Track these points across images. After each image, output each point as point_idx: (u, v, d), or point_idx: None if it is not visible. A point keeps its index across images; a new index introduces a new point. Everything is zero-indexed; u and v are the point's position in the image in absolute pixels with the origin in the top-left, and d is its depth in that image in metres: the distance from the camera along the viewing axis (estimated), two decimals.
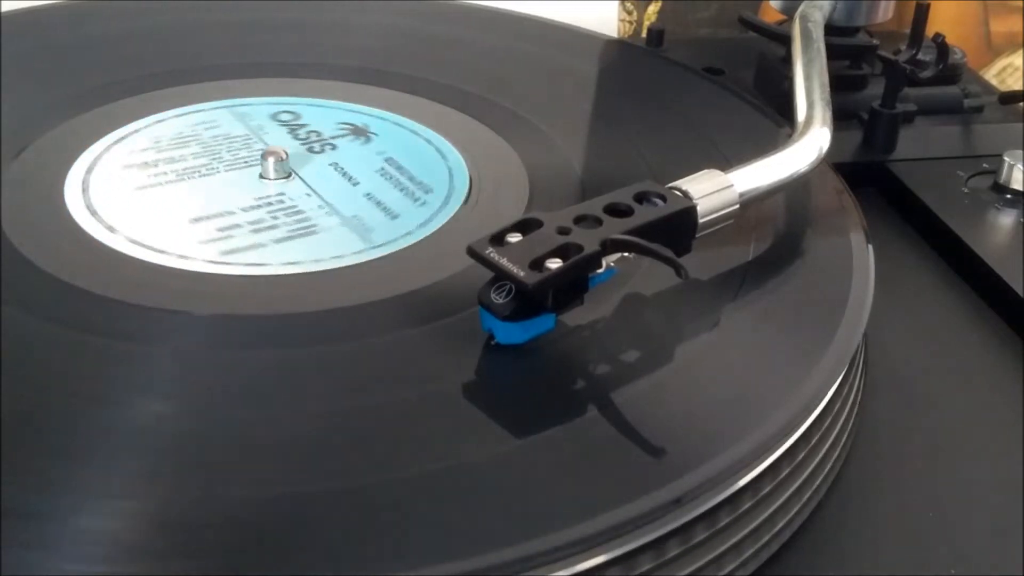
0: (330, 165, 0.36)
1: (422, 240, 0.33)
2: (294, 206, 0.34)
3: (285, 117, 0.38)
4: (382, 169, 0.35)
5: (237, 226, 0.33)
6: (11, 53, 0.41)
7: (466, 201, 0.35)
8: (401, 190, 0.34)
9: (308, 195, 0.34)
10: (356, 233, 0.32)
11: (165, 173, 0.35)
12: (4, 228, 0.32)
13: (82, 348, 0.28)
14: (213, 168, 0.36)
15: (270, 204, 0.34)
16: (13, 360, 0.27)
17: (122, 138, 0.37)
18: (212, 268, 0.31)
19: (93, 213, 0.33)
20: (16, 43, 0.42)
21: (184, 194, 0.35)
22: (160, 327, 0.29)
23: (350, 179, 0.35)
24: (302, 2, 0.47)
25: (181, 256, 0.31)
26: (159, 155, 0.36)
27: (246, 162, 0.36)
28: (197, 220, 0.33)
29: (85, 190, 0.34)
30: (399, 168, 0.35)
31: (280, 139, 0.37)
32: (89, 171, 0.35)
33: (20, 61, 0.41)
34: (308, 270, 0.31)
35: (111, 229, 0.32)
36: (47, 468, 0.24)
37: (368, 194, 0.34)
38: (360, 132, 0.37)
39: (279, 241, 0.32)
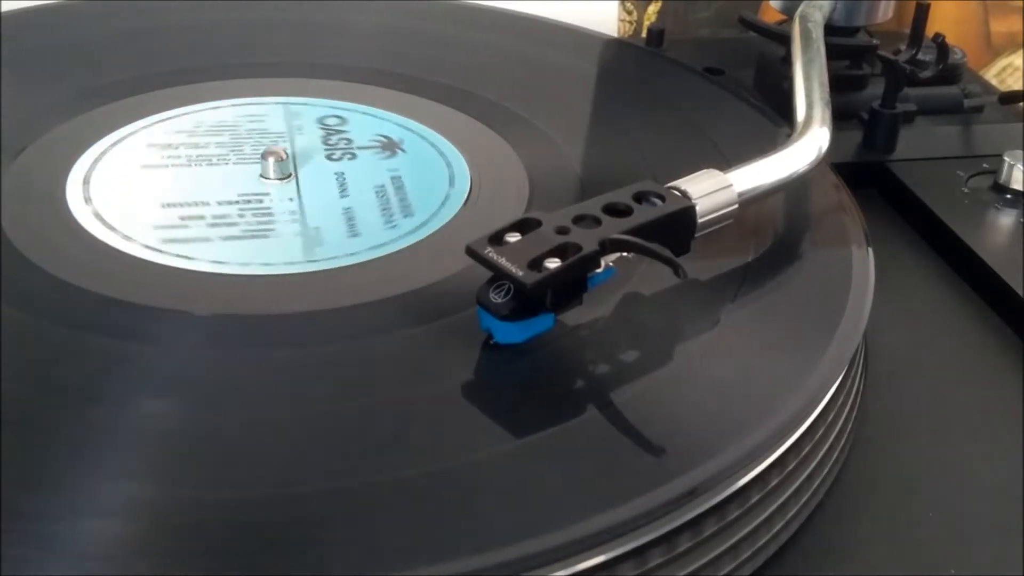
0: (335, 174, 0.36)
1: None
2: (268, 208, 0.34)
3: (331, 121, 0.38)
4: (382, 187, 0.35)
5: (200, 218, 0.33)
6: (11, 53, 0.41)
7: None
8: (383, 210, 0.33)
9: (290, 199, 0.34)
10: (304, 245, 0.32)
11: (179, 156, 0.36)
12: (4, 228, 0.32)
13: (82, 348, 0.28)
14: (225, 159, 0.36)
15: (248, 202, 0.34)
16: (13, 360, 0.27)
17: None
18: (145, 254, 0.31)
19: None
20: (16, 43, 0.42)
21: (179, 179, 0.35)
22: (160, 327, 0.29)
23: (343, 191, 0.35)
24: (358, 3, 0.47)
25: (125, 237, 0.31)
26: (188, 139, 0.37)
27: (260, 158, 0.36)
28: (169, 205, 0.33)
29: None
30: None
31: (309, 141, 0.37)
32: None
33: (20, 61, 0.41)
34: (230, 271, 0.31)
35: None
36: (47, 468, 0.24)
37: (348, 208, 0.34)
38: (391, 147, 0.36)
39: (227, 239, 0.32)
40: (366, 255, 0.32)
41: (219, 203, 0.34)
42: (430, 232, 0.33)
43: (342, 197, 0.34)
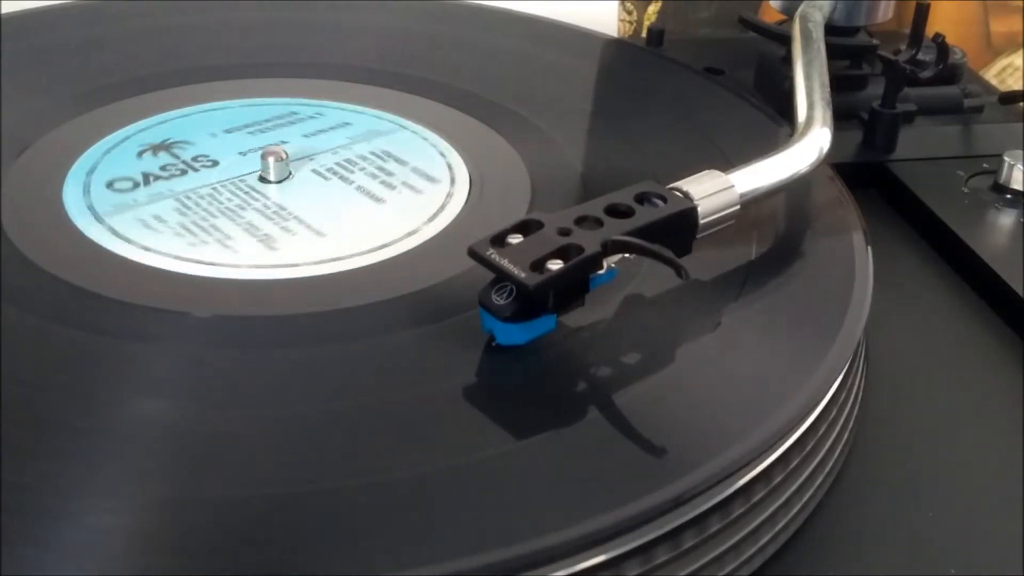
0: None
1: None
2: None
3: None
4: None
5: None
6: (11, 53, 0.41)
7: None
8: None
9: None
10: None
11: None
12: (4, 228, 0.32)
13: (82, 348, 0.28)
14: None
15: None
16: (13, 360, 0.27)
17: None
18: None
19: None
20: (16, 43, 0.42)
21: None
22: (161, 327, 0.29)
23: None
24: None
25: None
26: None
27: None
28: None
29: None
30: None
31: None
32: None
33: (20, 62, 0.41)
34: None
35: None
36: (47, 468, 0.24)
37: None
38: (387, 172, 0.36)
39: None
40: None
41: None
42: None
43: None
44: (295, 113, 0.40)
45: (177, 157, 0.36)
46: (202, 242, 0.32)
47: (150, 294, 0.30)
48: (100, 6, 0.46)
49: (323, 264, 0.31)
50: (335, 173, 0.36)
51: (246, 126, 0.39)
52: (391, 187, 0.35)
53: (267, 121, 0.39)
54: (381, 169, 0.36)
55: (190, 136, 0.38)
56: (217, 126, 0.38)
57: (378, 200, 0.35)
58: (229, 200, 0.34)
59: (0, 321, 0.28)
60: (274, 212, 0.34)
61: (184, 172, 0.36)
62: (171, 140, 0.37)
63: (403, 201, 0.35)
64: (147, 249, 0.32)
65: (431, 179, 0.36)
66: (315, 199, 0.35)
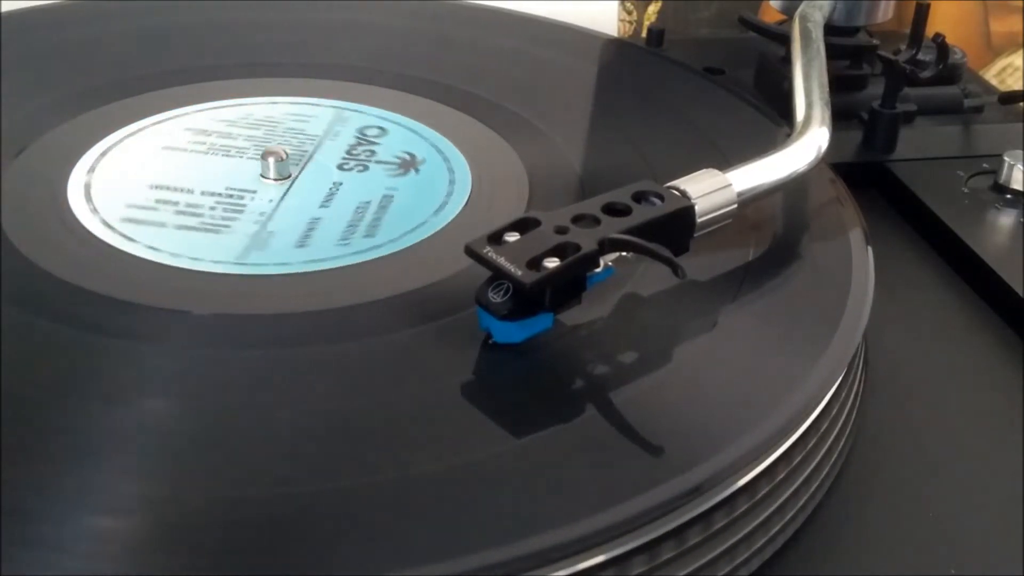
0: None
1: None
2: (242, 205, 0.34)
3: (371, 132, 0.38)
4: (367, 204, 0.34)
5: (173, 203, 0.33)
6: (11, 53, 0.41)
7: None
8: (348, 226, 0.33)
9: (270, 200, 0.34)
10: (245, 247, 0.32)
11: (203, 143, 0.36)
12: (4, 228, 0.32)
13: (82, 348, 0.28)
14: (242, 152, 0.36)
15: (229, 197, 0.34)
16: (13, 360, 0.27)
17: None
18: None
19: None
20: (16, 43, 0.42)
21: (186, 165, 0.35)
22: (161, 326, 0.29)
23: (326, 201, 0.34)
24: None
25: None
26: (226, 128, 0.37)
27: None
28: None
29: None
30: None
31: (335, 149, 0.37)
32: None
33: (20, 61, 0.41)
34: (156, 259, 0.31)
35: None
36: (47, 468, 0.24)
37: (316, 219, 0.33)
38: (408, 165, 0.36)
39: (180, 228, 0.32)
40: (299, 267, 0.31)
41: (201, 193, 0.34)
42: (382, 254, 0.32)
43: (320, 207, 0.34)
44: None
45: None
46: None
47: (150, 293, 0.30)
48: (100, 6, 0.46)
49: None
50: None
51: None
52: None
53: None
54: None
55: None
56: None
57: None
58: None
59: (0, 321, 0.28)
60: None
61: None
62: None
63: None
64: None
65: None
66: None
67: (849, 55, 0.46)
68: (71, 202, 0.33)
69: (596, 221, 0.28)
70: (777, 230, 0.34)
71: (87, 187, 0.34)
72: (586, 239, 0.27)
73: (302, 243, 0.32)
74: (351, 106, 0.40)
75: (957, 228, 0.39)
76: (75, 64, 0.41)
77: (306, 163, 0.36)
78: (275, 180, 0.35)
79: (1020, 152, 0.41)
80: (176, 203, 0.34)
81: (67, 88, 0.40)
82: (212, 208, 0.34)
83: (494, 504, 0.24)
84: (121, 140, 0.37)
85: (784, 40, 0.45)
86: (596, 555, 0.24)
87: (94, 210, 0.33)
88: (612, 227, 0.28)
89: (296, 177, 0.36)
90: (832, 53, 0.41)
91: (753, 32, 0.48)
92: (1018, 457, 0.31)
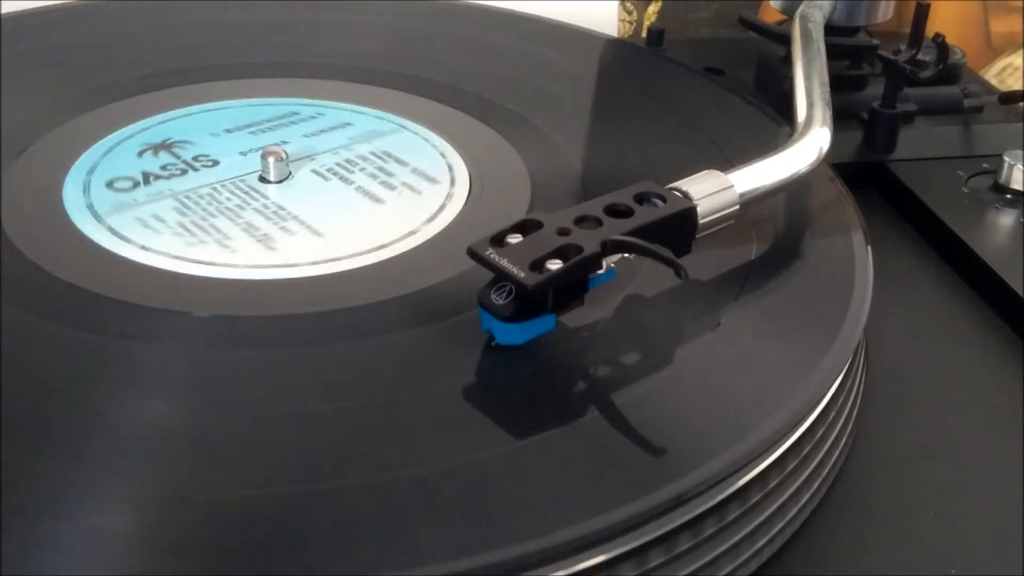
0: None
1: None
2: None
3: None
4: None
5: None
6: (11, 53, 0.41)
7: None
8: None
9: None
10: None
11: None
12: (4, 228, 0.32)
13: (82, 348, 0.28)
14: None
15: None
16: (13, 360, 0.27)
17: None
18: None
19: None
20: (16, 43, 0.42)
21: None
22: (161, 327, 0.29)
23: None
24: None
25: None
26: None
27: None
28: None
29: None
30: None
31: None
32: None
33: (20, 62, 0.41)
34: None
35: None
36: (47, 468, 0.24)
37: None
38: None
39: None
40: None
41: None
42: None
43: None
44: (296, 113, 0.40)
45: (177, 157, 0.36)
46: (201, 242, 0.32)
47: (150, 294, 0.30)
48: (100, 6, 0.46)
49: (322, 264, 0.31)
50: (335, 173, 0.36)
51: (247, 126, 0.39)
52: (391, 187, 0.35)
53: (268, 121, 0.39)
54: (381, 169, 0.36)
55: (191, 136, 0.38)
56: (218, 126, 0.38)
57: (378, 200, 0.35)
58: (229, 200, 0.34)
59: (0, 321, 0.28)
60: (273, 212, 0.34)
61: (184, 172, 0.36)
62: (172, 140, 0.37)
63: (403, 201, 0.35)
64: (146, 249, 0.32)
65: (431, 179, 0.36)
66: (315, 199, 0.35)
67: (849, 55, 0.46)
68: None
69: (598, 222, 0.28)
70: (777, 231, 0.34)
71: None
72: (588, 240, 0.27)
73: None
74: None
75: (957, 228, 0.39)
76: (75, 64, 0.41)
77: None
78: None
79: (1020, 152, 0.41)
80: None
81: (67, 88, 0.40)
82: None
83: (494, 504, 0.24)
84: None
85: (784, 40, 0.45)
86: (596, 556, 0.24)
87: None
88: (614, 228, 0.28)
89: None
90: (832, 53, 0.41)
91: (753, 32, 0.48)
92: (1018, 457, 0.31)
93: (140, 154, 0.36)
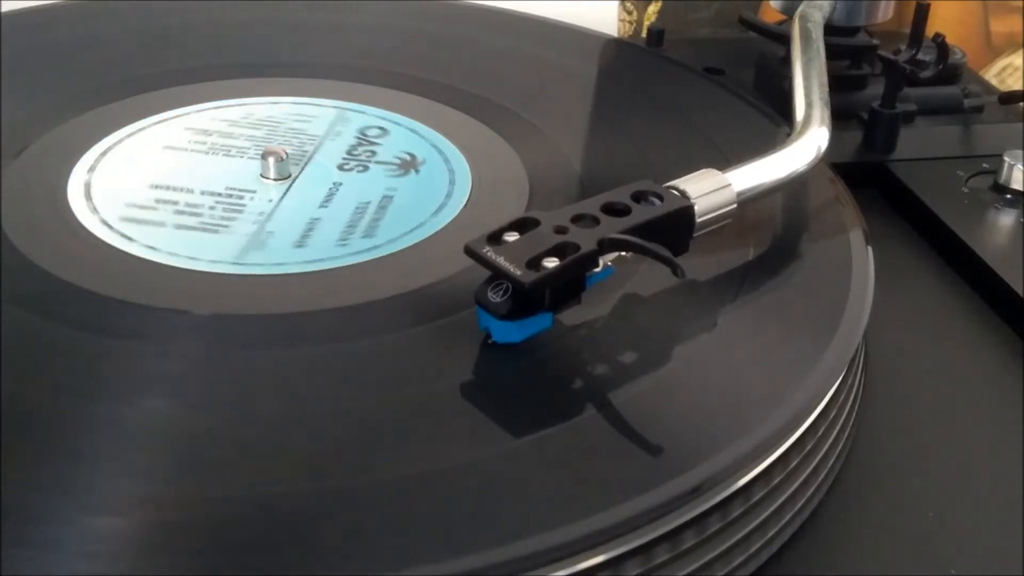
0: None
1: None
2: (241, 205, 0.34)
3: (371, 132, 0.38)
4: (366, 204, 0.34)
5: (173, 203, 0.34)
6: (11, 53, 0.41)
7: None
8: (347, 227, 0.33)
9: (269, 200, 0.34)
10: (244, 247, 0.32)
11: (204, 143, 0.36)
12: (4, 228, 0.32)
13: (82, 348, 0.28)
14: (243, 152, 0.36)
15: (228, 197, 0.34)
16: (13, 360, 0.27)
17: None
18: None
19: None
20: (16, 43, 0.42)
21: (186, 164, 0.35)
22: (161, 326, 0.29)
23: (325, 201, 0.34)
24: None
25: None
26: (227, 127, 0.37)
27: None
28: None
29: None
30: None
31: (335, 149, 0.37)
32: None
33: (20, 61, 0.41)
34: (156, 259, 0.31)
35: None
36: (47, 468, 0.24)
37: (315, 219, 0.33)
38: (408, 165, 0.36)
39: (180, 228, 0.32)
40: (298, 267, 0.31)
41: (201, 193, 0.34)
42: (381, 254, 0.32)
43: (320, 207, 0.34)
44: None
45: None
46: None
47: (150, 293, 0.30)
48: (100, 6, 0.46)
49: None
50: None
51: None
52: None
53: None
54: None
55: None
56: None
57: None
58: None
59: (0, 321, 0.28)
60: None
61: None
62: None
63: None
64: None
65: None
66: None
67: (849, 55, 0.46)
68: (71, 202, 0.33)
69: (595, 221, 0.28)
70: (777, 230, 0.34)
71: (87, 187, 0.34)
72: (585, 239, 0.27)
73: (301, 243, 0.32)
74: (352, 106, 0.40)
75: (957, 228, 0.39)
76: (75, 64, 0.41)
77: (306, 163, 0.36)
78: (275, 180, 0.35)
79: (1020, 152, 0.41)
80: (176, 203, 0.34)
81: (67, 88, 0.40)
82: (212, 208, 0.34)
83: (493, 504, 0.24)
84: (121, 140, 0.37)
85: (784, 40, 0.45)
86: (596, 556, 0.24)
87: (94, 210, 0.33)
88: (611, 227, 0.28)
89: (296, 177, 0.36)
90: (832, 53, 0.41)
91: (753, 32, 0.48)
92: (1018, 457, 0.31)
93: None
